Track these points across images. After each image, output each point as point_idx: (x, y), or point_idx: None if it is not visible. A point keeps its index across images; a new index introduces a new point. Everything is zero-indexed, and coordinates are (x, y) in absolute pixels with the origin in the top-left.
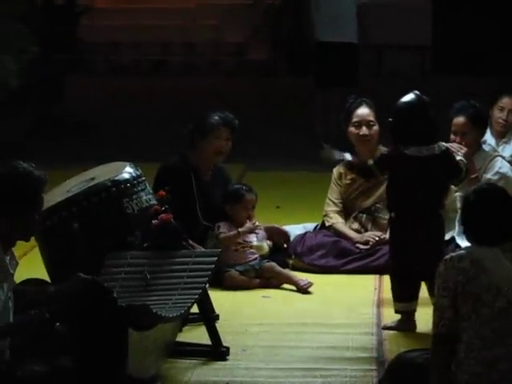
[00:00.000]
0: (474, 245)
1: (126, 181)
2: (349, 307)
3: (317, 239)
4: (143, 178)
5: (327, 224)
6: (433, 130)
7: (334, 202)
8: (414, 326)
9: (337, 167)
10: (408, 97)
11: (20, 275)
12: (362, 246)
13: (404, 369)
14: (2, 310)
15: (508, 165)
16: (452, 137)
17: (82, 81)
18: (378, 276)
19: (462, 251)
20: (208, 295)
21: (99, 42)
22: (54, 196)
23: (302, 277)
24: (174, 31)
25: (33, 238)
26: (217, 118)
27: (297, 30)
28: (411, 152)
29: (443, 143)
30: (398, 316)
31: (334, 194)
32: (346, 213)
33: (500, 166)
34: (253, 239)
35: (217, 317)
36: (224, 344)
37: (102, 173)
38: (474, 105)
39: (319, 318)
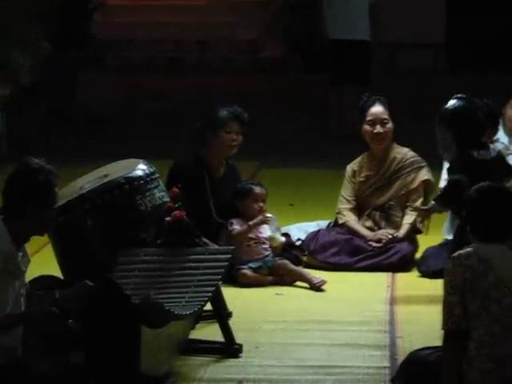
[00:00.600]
0: (480, 242)
1: (139, 178)
2: (362, 305)
3: (330, 237)
4: (156, 175)
5: (340, 222)
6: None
7: (347, 200)
8: None
9: (350, 164)
10: None
11: (33, 272)
12: (374, 244)
13: (417, 366)
14: (12, 307)
15: None
16: None
17: (96, 77)
18: (390, 274)
19: (469, 249)
20: (221, 292)
21: (112, 38)
22: (68, 193)
23: (315, 274)
24: (188, 28)
25: (46, 235)
26: (226, 112)
27: (310, 27)
28: (480, 156)
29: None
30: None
31: (347, 191)
32: (359, 210)
33: None
34: (266, 231)
35: (230, 314)
36: (237, 341)
37: (115, 170)
38: (487, 103)
39: (332, 315)
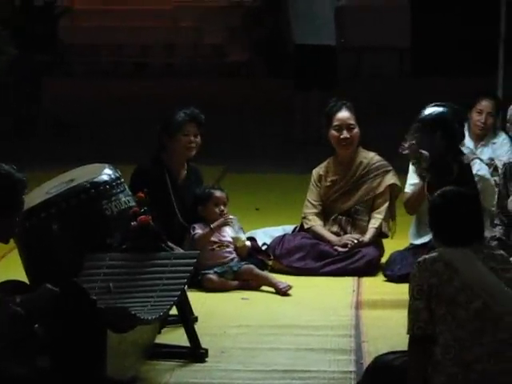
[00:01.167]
0: (445, 247)
1: (105, 182)
2: (327, 309)
3: (296, 241)
4: (122, 180)
5: (306, 226)
6: None
7: (313, 204)
8: None
9: (316, 169)
10: None
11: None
12: (340, 249)
13: (382, 371)
14: None
15: (486, 167)
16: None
17: (62, 82)
18: (356, 278)
19: (434, 253)
20: (187, 297)
21: (79, 43)
22: (33, 197)
23: (281, 279)
24: (154, 33)
25: (12, 240)
26: (182, 114)
27: (276, 32)
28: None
29: None
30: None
31: (313, 196)
32: (325, 215)
33: (478, 168)
34: (228, 234)
35: (195, 319)
36: (202, 346)
37: (80, 174)
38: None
39: (298, 320)
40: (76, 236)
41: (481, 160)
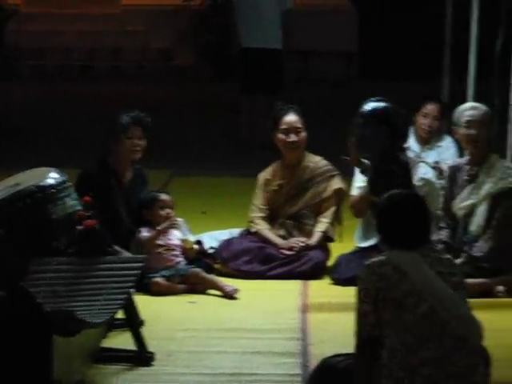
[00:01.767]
0: (392, 250)
1: (51, 186)
2: (274, 313)
3: (242, 245)
4: (68, 184)
5: (252, 230)
6: None
7: (259, 208)
8: None
9: (262, 173)
10: None
11: None
12: (286, 252)
13: (328, 374)
14: None
15: (432, 170)
16: None
17: (8, 85)
18: (303, 281)
19: (382, 257)
20: (133, 301)
21: (26, 46)
22: None
23: (228, 282)
24: (101, 36)
25: None
26: (127, 118)
27: (223, 35)
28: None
29: None
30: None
31: (259, 200)
32: (271, 219)
33: (424, 171)
34: (175, 237)
35: (142, 322)
36: (149, 350)
37: (26, 178)
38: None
39: (245, 323)
40: (21, 240)
41: (426, 163)
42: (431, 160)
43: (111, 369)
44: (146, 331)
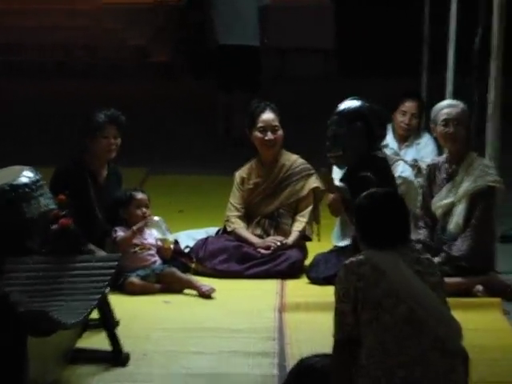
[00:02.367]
0: (371, 250)
1: (25, 185)
2: (251, 312)
3: (219, 244)
4: (42, 182)
5: (229, 229)
6: None
7: (235, 207)
8: None
9: (239, 171)
10: None
11: None
12: (263, 251)
13: (305, 374)
14: None
15: (410, 169)
16: None
17: None
18: (280, 281)
19: (361, 256)
20: (108, 300)
21: (0, 42)
22: None
23: (204, 282)
24: (76, 33)
25: None
26: (102, 116)
27: (200, 32)
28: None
29: None
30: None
31: (236, 198)
32: (248, 218)
33: (402, 170)
34: (151, 237)
35: (117, 322)
36: (124, 350)
37: None
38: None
39: (221, 323)
40: None
41: (405, 161)
42: (409, 158)
43: (86, 369)
44: (121, 331)
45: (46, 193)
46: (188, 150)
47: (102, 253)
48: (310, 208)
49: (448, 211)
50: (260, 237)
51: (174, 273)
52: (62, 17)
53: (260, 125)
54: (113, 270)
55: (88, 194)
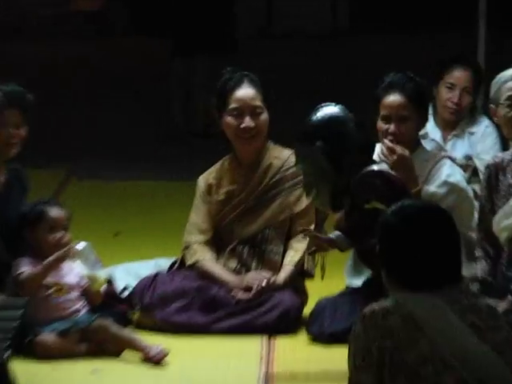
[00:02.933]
0: (403, 292)
1: None
2: None
3: (174, 284)
4: None
5: (189, 261)
6: None
7: (199, 229)
8: None
9: (204, 175)
10: None
11: None
12: (241, 295)
13: None
14: None
15: (460, 171)
16: (381, 125)
17: None
18: (266, 338)
19: (387, 302)
20: (8, 370)
21: None
22: None
23: (152, 340)
24: None
25: None
26: None
27: None
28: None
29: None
30: None
31: (199, 215)
32: (218, 244)
33: (449, 172)
34: (74, 272)
35: None
36: None
37: None
38: (413, 78)
39: None
40: None
41: (452, 160)
42: (460, 154)
43: None
44: None
45: None
46: (127, 143)
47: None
48: (311, 228)
49: None
50: (236, 273)
51: (108, 327)
52: None
53: (233, 105)
54: (16, 323)
55: None
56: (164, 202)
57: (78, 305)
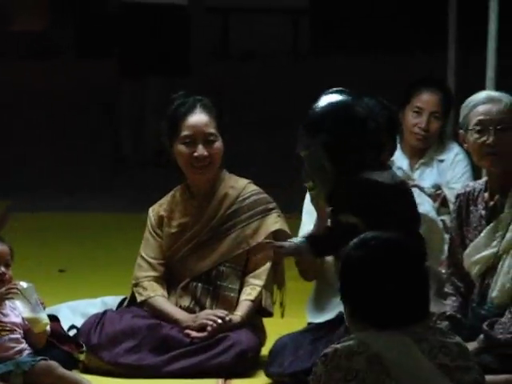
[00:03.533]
0: (367, 331)
1: None
2: None
3: (123, 323)
4: None
5: (140, 299)
6: None
7: (149, 264)
8: None
9: (155, 206)
10: None
11: None
12: (195, 334)
13: None
14: None
15: (429, 200)
16: None
17: None
18: (221, 381)
19: (350, 341)
20: None
21: None
22: None
23: (101, 383)
24: None
25: None
26: None
27: None
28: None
29: None
30: None
31: (150, 250)
32: (170, 281)
33: (418, 202)
34: (14, 312)
35: None
36: None
37: None
38: (385, 104)
39: None
40: None
41: (420, 189)
42: (429, 183)
43: None
44: None
45: None
46: (71, 172)
47: None
48: (268, 265)
49: (490, 269)
50: (190, 311)
51: (53, 369)
52: None
53: (186, 133)
54: None
55: None
56: (112, 235)
57: (21, 346)
